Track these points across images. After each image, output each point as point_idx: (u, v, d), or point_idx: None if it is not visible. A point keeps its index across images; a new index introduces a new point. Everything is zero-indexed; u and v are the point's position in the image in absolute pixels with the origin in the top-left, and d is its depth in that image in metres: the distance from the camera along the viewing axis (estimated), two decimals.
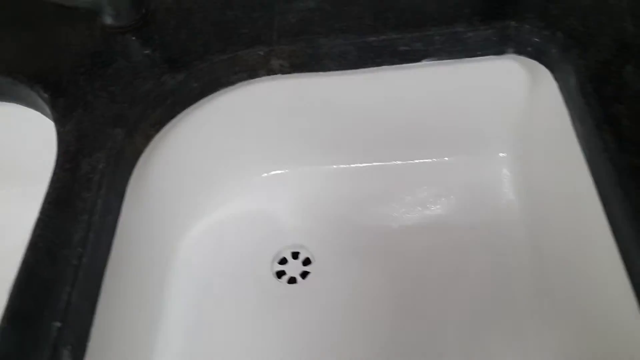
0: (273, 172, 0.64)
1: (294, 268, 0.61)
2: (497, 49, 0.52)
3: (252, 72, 0.51)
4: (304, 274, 0.60)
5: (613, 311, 0.43)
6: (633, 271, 0.38)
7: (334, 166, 0.65)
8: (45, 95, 0.48)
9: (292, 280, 0.60)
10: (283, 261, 0.61)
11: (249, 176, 0.63)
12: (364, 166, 0.66)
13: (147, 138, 0.48)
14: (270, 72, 0.52)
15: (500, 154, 0.64)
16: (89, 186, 0.41)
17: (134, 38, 0.53)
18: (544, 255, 0.57)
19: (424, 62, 0.53)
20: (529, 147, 0.60)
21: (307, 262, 0.61)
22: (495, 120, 0.62)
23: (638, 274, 0.38)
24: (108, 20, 0.54)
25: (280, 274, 0.60)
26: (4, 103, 0.51)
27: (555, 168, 0.54)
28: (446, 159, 0.66)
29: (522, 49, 0.52)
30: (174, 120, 0.50)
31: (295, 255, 0.62)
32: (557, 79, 0.50)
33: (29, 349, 0.34)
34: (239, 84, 0.52)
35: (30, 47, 0.53)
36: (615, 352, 0.44)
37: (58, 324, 0.34)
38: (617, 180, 0.40)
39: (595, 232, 0.44)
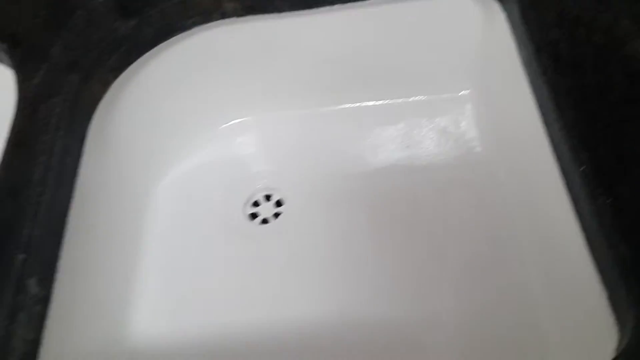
0: (241, 119, 0.65)
1: (266, 210, 0.63)
2: None
3: (206, 15, 0.52)
4: (277, 215, 0.62)
5: (559, 226, 0.45)
6: (572, 191, 0.40)
7: (301, 111, 0.66)
8: (4, 45, 0.49)
9: (265, 221, 0.62)
10: (256, 204, 0.63)
11: (217, 123, 0.65)
12: (330, 109, 0.67)
13: (105, 84, 0.49)
14: (225, 15, 0.53)
15: (463, 91, 0.66)
16: (47, 129, 0.42)
17: None
18: (505, 185, 0.59)
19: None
20: (487, 82, 0.62)
21: (279, 204, 0.63)
22: (455, 57, 0.63)
23: (575, 192, 0.40)
24: None
25: (253, 216, 0.62)
26: None
27: (509, 99, 0.55)
28: (411, 99, 0.67)
29: None
30: (132, 67, 0.51)
31: (267, 197, 0.63)
32: (505, 9, 0.51)
33: None
34: (195, 29, 0.53)
35: None
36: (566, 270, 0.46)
37: (22, 256, 0.36)
38: (554, 101, 0.41)
39: (542, 156, 0.46)
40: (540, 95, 0.44)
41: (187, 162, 0.64)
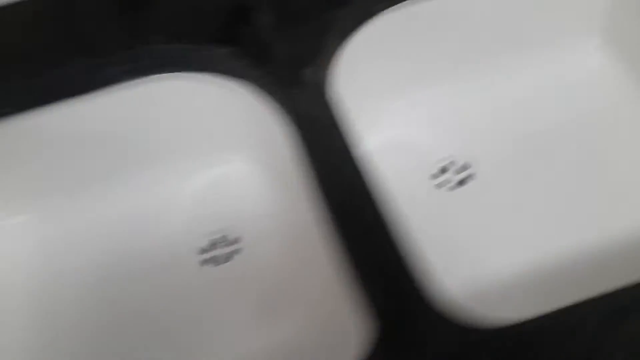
0: (419, 94, 0.67)
1: (454, 176, 0.64)
2: None
3: None
4: (465, 179, 0.63)
5: None
6: None
7: (456, 85, 0.67)
8: (227, 51, 0.48)
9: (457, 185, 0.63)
10: (443, 170, 0.64)
11: (404, 98, 0.66)
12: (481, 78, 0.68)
13: (325, 70, 0.50)
14: None
15: (593, 42, 0.68)
16: (327, 115, 0.43)
17: None
18: None
19: None
20: (624, 30, 0.64)
21: (464, 168, 0.64)
22: (584, 8, 0.65)
23: None
24: None
25: (442, 184, 0.63)
26: (176, 74, 0.50)
27: None
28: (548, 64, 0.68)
29: None
30: (341, 51, 0.52)
31: (444, 169, 0.64)
32: None
33: None
34: (384, 12, 0.54)
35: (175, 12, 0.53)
36: None
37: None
38: None
39: None
40: None
41: (375, 137, 0.64)
